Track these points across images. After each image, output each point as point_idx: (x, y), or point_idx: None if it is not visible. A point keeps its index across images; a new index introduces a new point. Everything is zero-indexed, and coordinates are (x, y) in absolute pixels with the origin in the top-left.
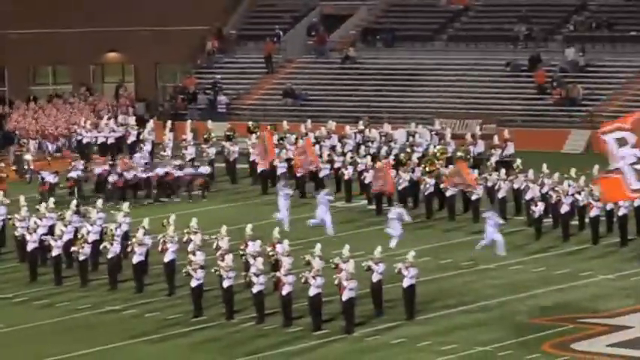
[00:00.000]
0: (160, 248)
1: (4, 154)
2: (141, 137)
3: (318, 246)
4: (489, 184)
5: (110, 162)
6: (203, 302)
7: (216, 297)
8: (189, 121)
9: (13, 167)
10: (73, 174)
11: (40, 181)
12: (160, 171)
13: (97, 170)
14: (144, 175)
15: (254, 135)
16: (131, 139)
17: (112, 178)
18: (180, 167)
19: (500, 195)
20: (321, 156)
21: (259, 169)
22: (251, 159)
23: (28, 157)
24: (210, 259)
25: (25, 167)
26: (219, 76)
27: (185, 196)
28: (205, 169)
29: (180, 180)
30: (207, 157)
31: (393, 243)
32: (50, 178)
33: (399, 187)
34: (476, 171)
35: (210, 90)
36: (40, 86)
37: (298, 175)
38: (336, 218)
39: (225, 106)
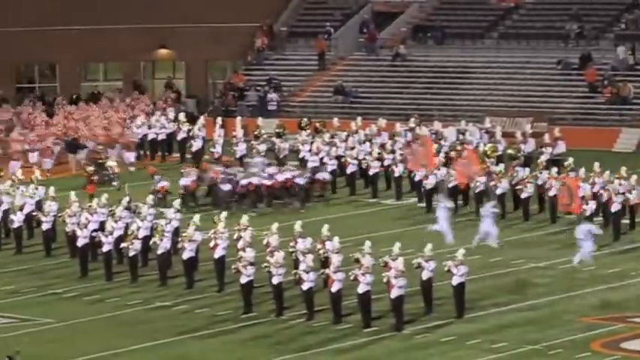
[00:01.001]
0: (210, 244)
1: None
2: (191, 134)
3: (368, 243)
4: (539, 182)
5: (220, 169)
6: (253, 299)
7: (265, 293)
8: (239, 118)
9: (90, 172)
10: (186, 181)
11: (156, 184)
12: (279, 177)
13: (209, 177)
14: (263, 182)
15: (304, 132)
16: (181, 135)
17: (224, 186)
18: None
19: (550, 193)
20: (370, 153)
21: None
22: (301, 156)
23: (111, 163)
24: (260, 256)
25: (111, 174)
26: (273, 73)
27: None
28: (325, 175)
29: (295, 186)
30: (257, 154)
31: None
32: (163, 183)
33: (449, 185)
34: (527, 170)
35: (265, 86)
36: (90, 82)
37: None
38: (386, 216)
39: (276, 103)
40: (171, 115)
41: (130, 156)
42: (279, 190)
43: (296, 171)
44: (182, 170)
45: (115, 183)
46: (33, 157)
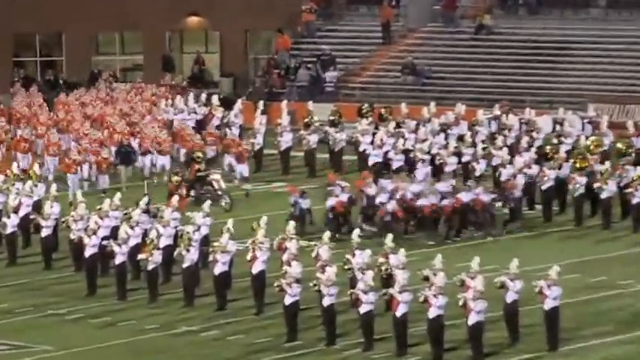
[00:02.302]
0: (247, 257)
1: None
2: (225, 121)
3: (439, 257)
4: None
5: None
6: (299, 323)
7: (314, 317)
8: (285, 102)
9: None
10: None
11: (296, 206)
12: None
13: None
14: (445, 203)
15: (365, 120)
16: (214, 122)
17: (390, 206)
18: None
19: None
20: (446, 147)
21: (503, 173)
22: (360, 149)
23: (216, 176)
24: (309, 272)
25: (216, 191)
26: (326, 47)
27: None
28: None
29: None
30: (307, 146)
31: None
32: (306, 203)
33: (543, 187)
34: (639, 169)
35: (317, 63)
36: (105, 56)
37: None
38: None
39: (332, 84)
40: (192, 101)
41: (243, 169)
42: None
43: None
44: (328, 185)
45: (224, 203)
46: (84, 169)
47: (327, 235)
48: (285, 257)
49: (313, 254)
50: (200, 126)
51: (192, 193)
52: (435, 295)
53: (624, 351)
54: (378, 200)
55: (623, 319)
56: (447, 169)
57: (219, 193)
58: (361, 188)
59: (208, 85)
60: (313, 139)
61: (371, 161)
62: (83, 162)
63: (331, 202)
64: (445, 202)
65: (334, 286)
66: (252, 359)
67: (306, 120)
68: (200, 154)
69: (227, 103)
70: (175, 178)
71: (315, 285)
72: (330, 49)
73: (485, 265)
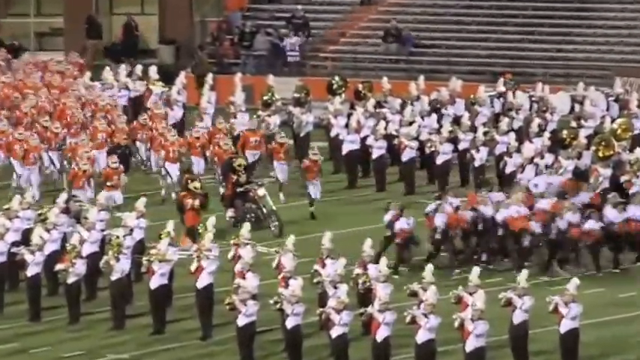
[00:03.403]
0: (191, 268)
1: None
2: (164, 96)
3: (430, 268)
4: None
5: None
6: (255, 350)
7: (275, 342)
8: (239, 76)
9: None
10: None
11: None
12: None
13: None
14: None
15: (338, 98)
16: (152, 100)
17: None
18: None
19: None
20: (438, 131)
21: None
22: (332, 134)
23: (261, 191)
24: (268, 286)
25: (260, 210)
26: (299, 7)
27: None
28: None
29: None
30: (267, 130)
31: None
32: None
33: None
34: None
35: (281, 29)
36: (16, 18)
37: None
38: None
39: (298, 53)
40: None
41: (282, 171)
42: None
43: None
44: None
45: (272, 226)
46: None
47: (291, 240)
48: (237, 268)
49: (274, 264)
50: (135, 105)
51: (229, 213)
52: (424, 315)
53: None
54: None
55: None
56: (440, 158)
57: (265, 212)
58: (474, 205)
59: (144, 54)
60: (274, 121)
61: (345, 149)
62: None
63: (442, 218)
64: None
65: (300, 303)
66: None
67: (265, 98)
68: (241, 162)
69: (167, 77)
70: (196, 185)
71: (276, 302)
72: (302, 9)
73: (487, 278)
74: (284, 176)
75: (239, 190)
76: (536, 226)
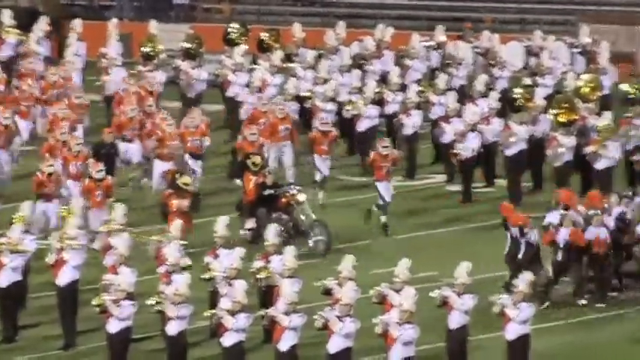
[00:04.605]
0: (50, 260)
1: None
2: (21, 50)
3: (350, 259)
4: None
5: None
6: None
7: (155, 352)
8: (114, 22)
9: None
10: None
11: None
12: None
13: None
14: None
15: (239, 49)
16: (4, 53)
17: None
18: None
19: None
20: (360, 90)
21: (447, 129)
22: (230, 93)
23: (300, 197)
24: (148, 282)
25: (314, 227)
26: None
27: None
28: None
29: None
30: (150, 86)
31: None
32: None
33: (508, 152)
34: None
35: None
36: None
37: None
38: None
39: None
40: None
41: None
42: None
43: None
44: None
45: (313, 242)
46: None
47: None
48: (108, 260)
49: (151, 252)
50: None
51: (248, 224)
52: (339, 318)
53: None
54: None
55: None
56: (362, 125)
57: (305, 223)
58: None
59: None
60: (159, 78)
61: (245, 112)
62: None
63: (565, 232)
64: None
65: (186, 304)
66: None
67: (146, 49)
68: (258, 160)
69: (25, 24)
70: (185, 180)
71: (157, 303)
72: None
73: (418, 271)
74: (326, 171)
75: (265, 194)
76: None
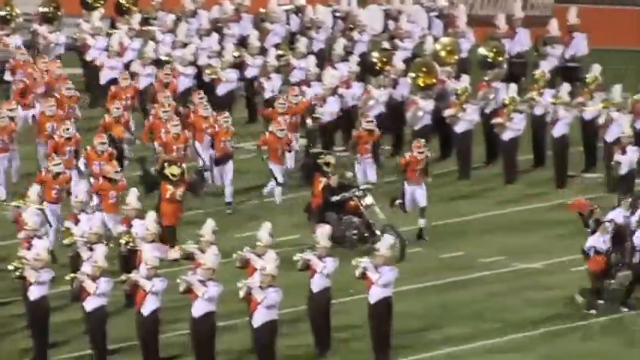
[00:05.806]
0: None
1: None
2: None
3: (210, 223)
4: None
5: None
6: None
7: (15, 317)
8: None
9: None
10: None
11: None
12: None
13: None
14: None
15: (97, 13)
16: None
17: None
18: None
19: None
20: (220, 54)
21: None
22: (89, 58)
23: (368, 200)
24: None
25: (387, 231)
26: None
27: None
28: None
29: None
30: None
31: None
32: None
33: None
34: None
35: None
36: None
37: None
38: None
39: None
40: None
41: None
42: None
43: None
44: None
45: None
46: None
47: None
48: (21, 234)
49: (10, 215)
50: None
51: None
52: (202, 282)
53: None
54: None
55: (492, 313)
56: (222, 88)
57: (375, 227)
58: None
59: None
60: (14, 42)
61: (104, 77)
62: None
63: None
64: None
65: (48, 268)
66: None
67: (2, 13)
68: (331, 160)
69: None
70: (173, 170)
71: (17, 268)
72: None
73: (281, 235)
74: (373, 177)
75: (333, 199)
76: None
